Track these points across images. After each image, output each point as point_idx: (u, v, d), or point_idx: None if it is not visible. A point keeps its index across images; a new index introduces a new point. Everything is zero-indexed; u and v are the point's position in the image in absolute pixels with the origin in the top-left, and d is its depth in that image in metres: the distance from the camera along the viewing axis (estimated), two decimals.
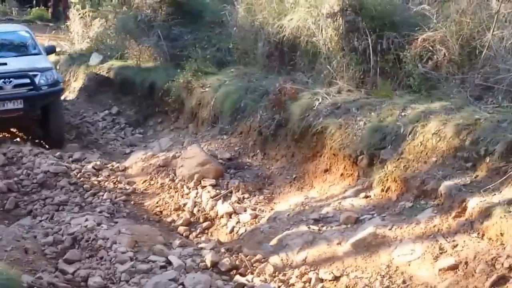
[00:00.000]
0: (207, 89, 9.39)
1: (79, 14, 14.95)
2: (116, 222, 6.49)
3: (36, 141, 9.80)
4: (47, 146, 9.53)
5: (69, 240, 6.00)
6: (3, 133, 10.14)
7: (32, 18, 22.22)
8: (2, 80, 8.98)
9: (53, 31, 16.97)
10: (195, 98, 9.59)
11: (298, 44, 8.42)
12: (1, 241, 5.71)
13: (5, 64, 9.31)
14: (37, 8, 25.02)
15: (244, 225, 6.52)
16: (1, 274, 3.95)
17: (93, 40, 14.10)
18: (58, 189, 7.62)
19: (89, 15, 14.85)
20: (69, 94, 12.85)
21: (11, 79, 9.02)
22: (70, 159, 8.74)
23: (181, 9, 11.31)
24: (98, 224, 6.24)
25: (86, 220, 6.36)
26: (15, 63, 9.45)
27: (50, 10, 23.02)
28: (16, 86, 9.10)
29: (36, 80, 9.23)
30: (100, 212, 6.90)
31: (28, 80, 9.18)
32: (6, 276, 3.99)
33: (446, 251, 4.66)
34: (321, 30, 7.78)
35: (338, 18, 7.48)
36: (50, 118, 9.56)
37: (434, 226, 4.96)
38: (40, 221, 6.79)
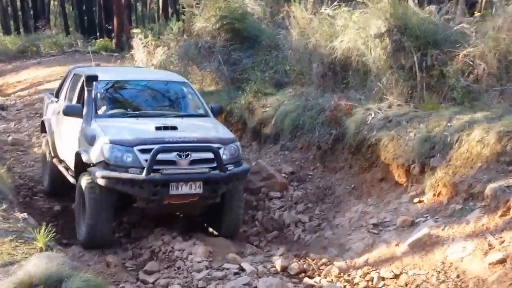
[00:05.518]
0: (267, 109, 9.78)
1: (142, 43, 15.57)
2: (191, 236, 6.85)
3: None
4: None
5: (147, 253, 6.43)
6: None
7: (96, 49, 22.41)
8: (177, 152, 6.47)
9: (118, 61, 17.44)
10: (256, 118, 9.96)
11: (350, 63, 8.80)
12: (84, 257, 6.27)
13: (175, 128, 6.78)
14: (101, 39, 25.53)
15: (310, 233, 6.97)
16: (89, 280, 4.22)
17: (157, 67, 14.42)
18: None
19: (151, 44, 15.44)
20: None
21: (188, 152, 6.47)
22: None
23: (239, 35, 11.82)
24: (174, 238, 6.60)
25: (163, 234, 6.70)
26: (188, 129, 6.92)
27: (113, 40, 23.21)
28: (194, 162, 6.50)
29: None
30: (176, 226, 7.21)
31: (211, 155, 6.53)
32: (95, 283, 4.28)
33: (495, 247, 5.01)
34: (370, 50, 8.16)
35: (385, 38, 7.86)
36: (226, 206, 6.85)
37: (482, 225, 5.31)
38: (119, 237, 7.12)
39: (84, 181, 6.58)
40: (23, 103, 15.52)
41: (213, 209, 6.94)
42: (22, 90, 17.39)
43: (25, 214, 6.37)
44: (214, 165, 6.53)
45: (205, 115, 7.57)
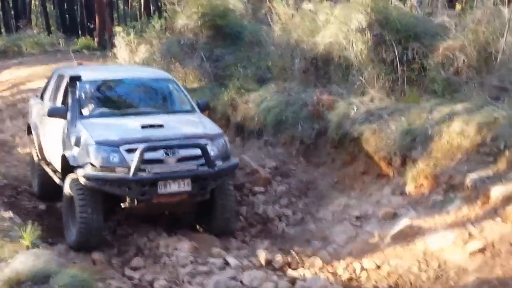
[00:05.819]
0: (250, 105, 9.74)
1: (125, 41, 15.45)
2: (176, 232, 6.84)
3: None
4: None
5: (133, 249, 6.43)
6: None
7: (79, 48, 22.19)
8: (164, 150, 6.38)
9: (101, 59, 17.07)
10: (240, 114, 9.92)
11: (332, 58, 8.82)
12: (70, 254, 6.23)
13: (162, 126, 6.71)
14: (83, 38, 25.25)
15: (294, 226, 7.02)
16: (76, 276, 4.20)
17: (140, 65, 14.31)
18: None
19: (134, 42, 15.29)
20: None
21: (174, 150, 6.39)
22: None
23: (221, 31, 11.76)
24: (159, 234, 6.62)
25: (148, 231, 6.71)
26: (175, 126, 6.83)
27: (96, 39, 23.04)
28: (181, 159, 6.42)
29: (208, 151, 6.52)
30: (161, 223, 7.15)
31: (198, 152, 6.45)
32: (82, 278, 4.26)
33: (475, 236, 5.14)
34: (352, 45, 8.21)
35: (366, 32, 7.93)
36: (217, 203, 6.75)
37: (462, 215, 5.44)
38: (105, 235, 6.99)
39: (71, 183, 6.46)
40: (5, 103, 15.36)
41: (204, 207, 6.84)
42: (4, 90, 17.19)
43: (11, 213, 6.36)
44: (203, 161, 6.44)
45: (191, 111, 7.46)
